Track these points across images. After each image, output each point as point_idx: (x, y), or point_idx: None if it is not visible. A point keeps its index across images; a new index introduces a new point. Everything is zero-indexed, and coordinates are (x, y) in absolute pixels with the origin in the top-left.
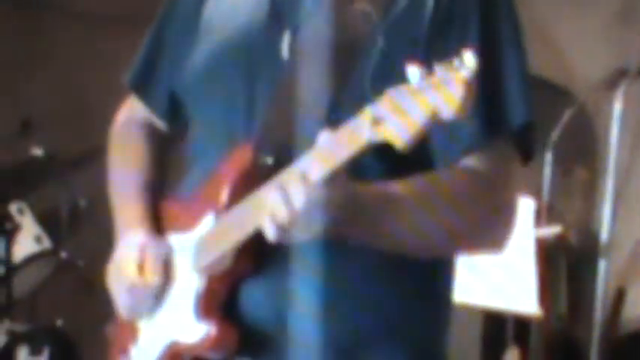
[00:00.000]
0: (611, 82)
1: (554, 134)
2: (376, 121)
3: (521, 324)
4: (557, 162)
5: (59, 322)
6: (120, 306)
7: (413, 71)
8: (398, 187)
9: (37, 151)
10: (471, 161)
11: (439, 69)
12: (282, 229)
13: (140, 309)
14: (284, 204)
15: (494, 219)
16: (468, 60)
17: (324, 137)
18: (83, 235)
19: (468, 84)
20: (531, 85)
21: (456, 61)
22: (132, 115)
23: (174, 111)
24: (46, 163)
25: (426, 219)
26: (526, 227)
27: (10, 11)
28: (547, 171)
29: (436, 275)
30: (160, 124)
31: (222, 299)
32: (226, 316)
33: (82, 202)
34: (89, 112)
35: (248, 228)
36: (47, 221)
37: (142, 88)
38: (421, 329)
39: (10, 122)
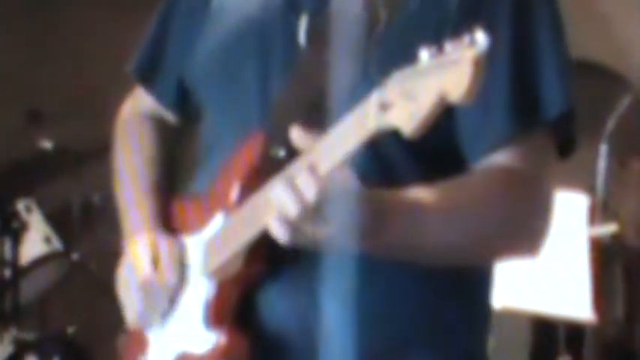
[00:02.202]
0: None
1: (610, 124)
2: (384, 107)
3: (574, 331)
4: (613, 154)
5: (70, 330)
6: (131, 311)
7: (423, 51)
8: (424, 193)
9: (47, 144)
10: (502, 157)
11: (449, 47)
12: (293, 227)
13: (153, 312)
14: (294, 199)
15: (529, 222)
16: (479, 37)
17: (332, 126)
18: (96, 234)
19: (478, 63)
20: (584, 72)
21: (466, 39)
22: (138, 107)
23: (183, 101)
24: (56, 157)
25: (455, 228)
26: (579, 226)
27: (22, 1)
28: (601, 164)
29: (474, 277)
30: (169, 115)
31: (233, 306)
32: (242, 324)
33: (95, 199)
34: (102, 103)
35: (257, 227)
36: (57, 220)
37: (149, 77)
38: (459, 333)
39: (18, 113)
